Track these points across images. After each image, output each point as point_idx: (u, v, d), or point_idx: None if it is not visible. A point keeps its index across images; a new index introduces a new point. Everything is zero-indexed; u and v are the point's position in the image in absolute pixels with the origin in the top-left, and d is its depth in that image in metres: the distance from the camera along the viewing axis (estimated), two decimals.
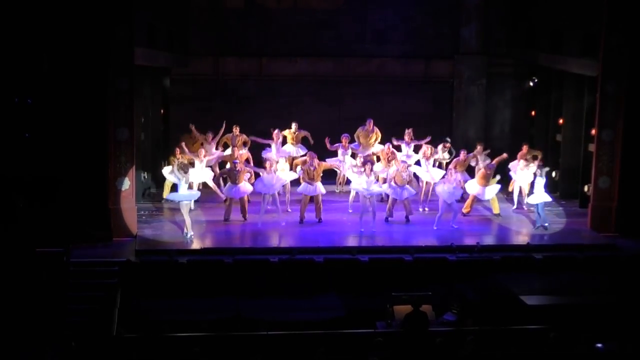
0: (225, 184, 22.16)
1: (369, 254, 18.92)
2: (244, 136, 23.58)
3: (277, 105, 27.41)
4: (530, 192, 21.78)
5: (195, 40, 27.19)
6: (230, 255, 18.62)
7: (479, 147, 23.68)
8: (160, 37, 23.93)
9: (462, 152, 22.69)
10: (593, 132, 21.70)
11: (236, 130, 23.60)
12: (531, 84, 27.26)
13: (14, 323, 16.18)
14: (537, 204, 21.04)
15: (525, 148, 23.24)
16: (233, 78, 27.43)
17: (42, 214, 18.92)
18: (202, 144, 22.81)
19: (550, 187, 25.27)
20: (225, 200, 21.83)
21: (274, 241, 20.16)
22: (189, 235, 19.77)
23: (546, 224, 21.03)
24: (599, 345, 14.34)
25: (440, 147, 23.71)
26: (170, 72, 26.48)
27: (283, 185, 22.16)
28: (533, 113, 27.37)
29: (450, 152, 23.67)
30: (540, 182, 20.98)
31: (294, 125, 23.96)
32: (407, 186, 21.44)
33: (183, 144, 22.26)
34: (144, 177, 23.90)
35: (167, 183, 22.59)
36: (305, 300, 17.68)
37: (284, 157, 23.13)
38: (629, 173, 20.94)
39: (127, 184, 19.82)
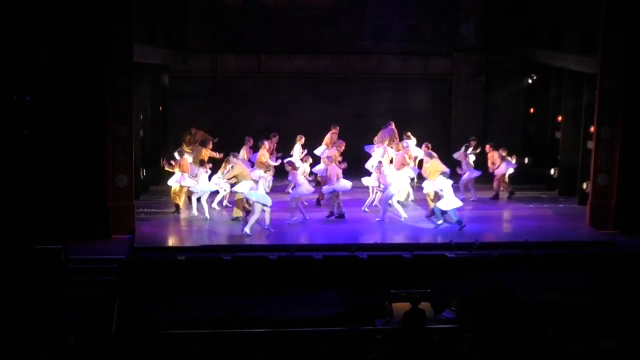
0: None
1: (367, 251, 18.90)
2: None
3: (275, 102, 27.42)
4: (441, 197, 20.92)
5: (194, 37, 27.20)
6: (229, 253, 18.61)
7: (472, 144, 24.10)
8: (159, 34, 23.91)
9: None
10: (592, 129, 21.71)
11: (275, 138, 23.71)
12: (530, 81, 27.30)
13: (12, 320, 16.16)
14: (448, 210, 20.59)
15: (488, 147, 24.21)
16: (231, 75, 27.43)
17: (41, 211, 18.90)
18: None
19: (548, 184, 25.48)
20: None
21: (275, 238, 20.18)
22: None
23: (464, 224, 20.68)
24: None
25: (468, 148, 24.37)
26: (169, 69, 26.48)
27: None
28: (532, 110, 27.40)
29: (475, 149, 23.95)
30: (450, 186, 20.75)
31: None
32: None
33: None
34: (143, 174, 23.89)
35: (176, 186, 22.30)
36: (304, 298, 17.69)
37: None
38: (628, 170, 20.94)
39: (125, 181, 19.80)
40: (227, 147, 23.28)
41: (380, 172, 21.64)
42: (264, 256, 18.53)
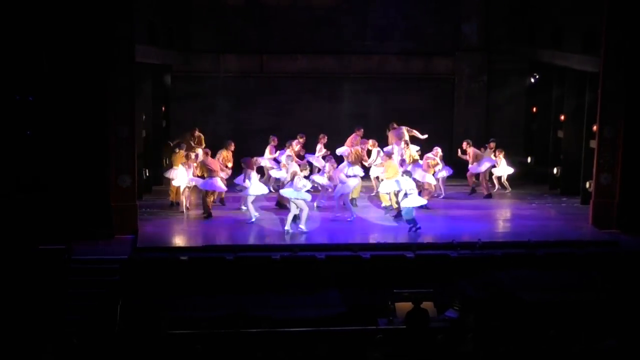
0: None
1: (370, 251, 18.91)
2: None
3: (277, 102, 27.42)
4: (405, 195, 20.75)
5: (196, 38, 27.22)
6: (232, 252, 18.61)
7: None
8: (161, 34, 23.93)
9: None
10: (594, 128, 21.69)
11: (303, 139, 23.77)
12: (532, 80, 27.27)
13: (14, 320, 16.17)
14: (407, 207, 20.41)
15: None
16: (234, 75, 27.42)
17: (44, 211, 18.90)
18: None
19: (551, 184, 25.47)
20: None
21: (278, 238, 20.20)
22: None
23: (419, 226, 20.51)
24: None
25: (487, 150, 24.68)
26: (171, 69, 26.48)
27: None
28: (534, 109, 27.38)
29: (494, 150, 24.01)
30: (413, 185, 20.73)
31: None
32: None
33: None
34: (146, 174, 23.91)
35: (174, 184, 22.43)
36: (306, 297, 17.69)
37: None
38: (630, 169, 20.91)
39: (128, 181, 19.81)
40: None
41: (333, 170, 21.76)
42: (266, 256, 18.53)
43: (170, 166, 23.05)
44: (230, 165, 22.51)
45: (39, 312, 16.56)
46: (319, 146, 24.14)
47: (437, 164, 22.91)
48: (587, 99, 22.94)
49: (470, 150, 24.30)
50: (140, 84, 22.26)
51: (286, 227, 20.17)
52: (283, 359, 14.64)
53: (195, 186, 22.15)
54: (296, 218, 20.30)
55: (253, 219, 21.06)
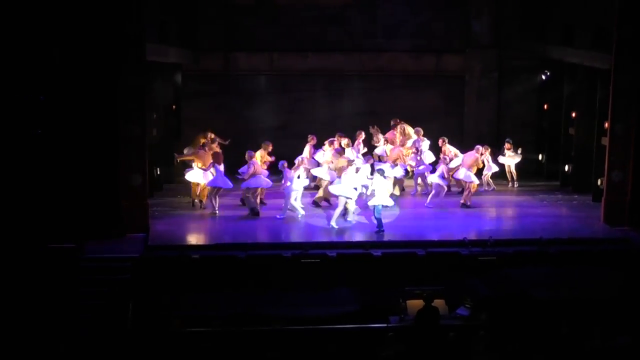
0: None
1: (381, 249, 18.89)
2: None
3: (288, 100, 27.43)
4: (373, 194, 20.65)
5: (206, 36, 27.26)
6: (243, 250, 18.62)
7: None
8: (172, 33, 23.94)
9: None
10: (606, 125, 21.62)
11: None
12: (543, 77, 27.20)
13: (26, 318, 16.21)
14: (375, 206, 20.18)
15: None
16: (244, 73, 27.46)
17: (54, 209, 18.93)
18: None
19: (562, 181, 25.41)
20: None
21: (287, 236, 20.19)
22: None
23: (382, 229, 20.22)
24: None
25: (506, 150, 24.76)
26: (181, 68, 26.51)
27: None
28: (545, 107, 27.30)
29: (514, 151, 23.90)
30: (383, 183, 20.49)
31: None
32: None
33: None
34: (157, 172, 23.94)
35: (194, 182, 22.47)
36: (317, 295, 17.68)
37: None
38: None
39: (139, 179, 19.83)
40: (242, 146, 23.27)
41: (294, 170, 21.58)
42: (277, 254, 18.52)
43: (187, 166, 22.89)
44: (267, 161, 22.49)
45: (51, 311, 16.59)
46: (359, 142, 23.96)
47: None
48: (599, 95, 22.86)
49: (447, 148, 23.84)
50: (151, 83, 22.29)
51: (332, 223, 20.37)
52: (294, 357, 14.65)
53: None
54: (346, 212, 20.63)
55: (300, 216, 21.26)
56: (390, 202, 20.59)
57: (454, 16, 27.74)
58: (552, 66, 26.48)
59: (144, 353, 14.89)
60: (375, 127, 24.63)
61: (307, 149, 23.48)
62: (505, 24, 27.61)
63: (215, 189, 21.60)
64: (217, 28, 27.28)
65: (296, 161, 21.68)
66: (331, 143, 22.77)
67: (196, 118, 26.22)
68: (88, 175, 19.32)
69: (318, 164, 22.91)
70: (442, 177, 22.19)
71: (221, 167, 21.66)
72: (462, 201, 22.53)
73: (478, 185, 23.06)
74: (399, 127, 24.39)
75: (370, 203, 20.34)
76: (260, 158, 22.22)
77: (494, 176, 24.67)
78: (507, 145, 24.79)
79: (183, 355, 14.62)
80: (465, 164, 22.71)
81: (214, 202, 21.55)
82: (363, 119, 25.47)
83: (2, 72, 18.43)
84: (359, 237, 19.94)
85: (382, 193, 20.11)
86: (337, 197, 20.74)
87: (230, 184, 21.80)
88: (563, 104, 25.79)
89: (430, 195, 22.42)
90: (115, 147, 19.43)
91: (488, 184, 24.58)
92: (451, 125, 26.92)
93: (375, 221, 20.07)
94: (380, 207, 20.03)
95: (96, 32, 18.96)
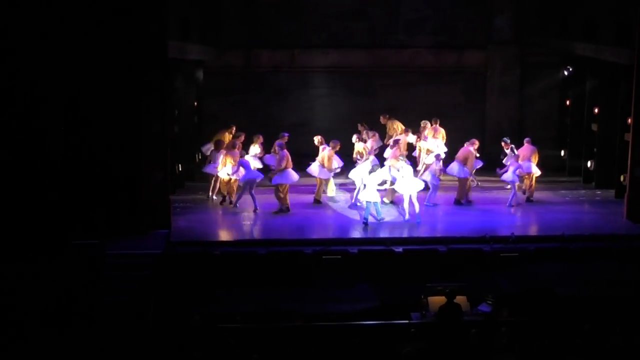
0: None
1: (403, 245, 18.88)
2: None
3: (309, 96, 27.47)
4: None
5: (228, 33, 27.34)
6: (265, 247, 18.66)
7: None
8: (193, 30, 24.00)
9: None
10: (629, 121, 21.49)
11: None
12: (566, 73, 27.08)
13: (49, 313, 16.29)
14: (367, 202, 20.34)
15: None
16: (266, 70, 27.52)
17: (78, 206, 19.02)
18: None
19: (585, 177, 25.29)
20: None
21: (309, 232, 20.22)
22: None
23: (367, 220, 20.37)
24: None
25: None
26: (203, 64, 26.58)
27: None
28: (568, 102, 27.19)
29: (512, 151, 23.71)
30: (374, 179, 20.55)
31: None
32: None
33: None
34: (179, 169, 24.02)
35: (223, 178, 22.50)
36: (339, 292, 17.70)
37: None
38: None
39: (161, 176, 19.89)
40: (264, 142, 23.38)
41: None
42: (299, 250, 18.55)
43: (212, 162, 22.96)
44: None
45: (75, 307, 16.67)
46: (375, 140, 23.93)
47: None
48: (622, 91, 22.73)
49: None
50: (173, 80, 22.36)
51: (406, 217, 20.61)
52: (315, 353, 14.68)
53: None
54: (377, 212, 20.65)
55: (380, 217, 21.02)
56: (377, 198, 20.55)
57: (475, 12, 27.71)
58: (574, 62, 26.36)
59: (166, 349, 14.95)
60: (364, 124, 24.47)
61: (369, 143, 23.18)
62: (526, 19, 27.54)
63: (249, 184, 21.64)
64: (239, 25, 27.37)
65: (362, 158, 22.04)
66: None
67: (217, 115, 26.30)
68: (111, 172, 19.39)
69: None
70: (432, 173, 22.16)
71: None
72: (457, 197, 22.54)
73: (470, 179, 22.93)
74: (388, 123, 24.43)
75: (360, 197, 20.84)
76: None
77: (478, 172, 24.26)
78: (507, 144, 24.29)
79: (204, 352, 14.66)
80: (459, 158, 22.50)
81: (252, 197, 21.59)
82: (384, 116, 25.43)
83: (27, 72, 18.48)
84: (381, 233, 19.92)
85: (372, 189, 20.31)
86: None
87: (261, 175, 22.03)
88: (585, 100, 25.66)
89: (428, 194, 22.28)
90: (137, 144, 19.50)
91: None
92: (472, 122, 26.88)
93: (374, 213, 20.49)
94: (369, 202, 20.30)
95: (119, 29, 19.02)
